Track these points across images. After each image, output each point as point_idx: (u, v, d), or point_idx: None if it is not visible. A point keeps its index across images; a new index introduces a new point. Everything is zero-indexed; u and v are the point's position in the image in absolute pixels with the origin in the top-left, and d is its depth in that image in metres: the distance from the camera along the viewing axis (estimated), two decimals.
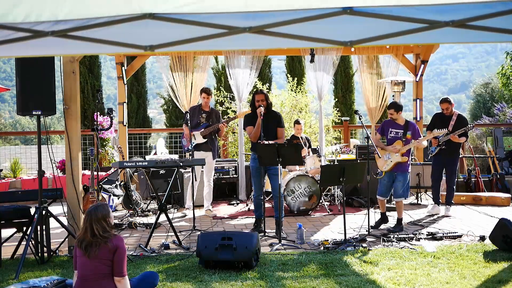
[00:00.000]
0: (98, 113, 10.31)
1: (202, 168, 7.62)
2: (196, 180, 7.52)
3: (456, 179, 7.96)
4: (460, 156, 9.95)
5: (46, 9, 1.90)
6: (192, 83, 9.54)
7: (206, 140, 7.55)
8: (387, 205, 7.98)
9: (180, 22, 1.93)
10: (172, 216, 6.88)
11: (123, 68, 9.43)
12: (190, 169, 7.72)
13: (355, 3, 1.84)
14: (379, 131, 6.82)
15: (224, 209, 8.29)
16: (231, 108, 11.30)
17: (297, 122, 8.54)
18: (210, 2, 1.85)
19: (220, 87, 11.78)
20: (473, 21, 1.89)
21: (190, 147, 7.53)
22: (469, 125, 7.36)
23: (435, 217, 7.45)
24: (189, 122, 7.44)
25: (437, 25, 1.91)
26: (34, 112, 5.23)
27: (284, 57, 14.58)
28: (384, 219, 6.72)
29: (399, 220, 6.56)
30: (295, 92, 11.41)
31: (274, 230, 6.43)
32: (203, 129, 7.51)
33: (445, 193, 7.72)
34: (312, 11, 1.85)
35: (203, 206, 7.95)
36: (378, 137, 6.82)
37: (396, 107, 6.61)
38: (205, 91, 7.71)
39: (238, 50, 9.06)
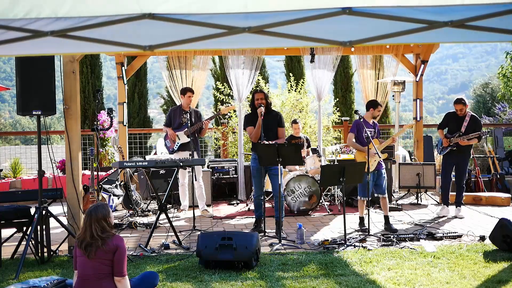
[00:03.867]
0: (102, 111, 10.34)
1: (189, 170, 7.65)
2: (196, 180, 7.52)
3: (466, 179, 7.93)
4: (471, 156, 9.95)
5: (46, 7, 1.91)
6: (192, 83, 9.55)
7: (190, 139, 7.55)
8: (389, 205, 8.01)
9: (179, 22, 1.93)
10: (172, 216, 6.88)
11: (123, 68, 9.43)
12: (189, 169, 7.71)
13: (354, 3, 1.84)
14: (353, 130, 6.66)
15: (224, 209, 8.29)
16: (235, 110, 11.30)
17: (294, 122, 8.53)
18: (210, 3, 1.86)
19: (220, 87, 11.77)
20: (472, 21, 1.89)
21: (175, 148, 7.56)
22: (482, 131, 7.29)
23: (443, 218, 7.36)
24: (188, 123, 7.44)
25: (436, 25, 1.91)
26: (34, 112, 5.23)
27: (283, 57, 14.56)
28: (363, 223, 6.62)
29: (387, 218, 6.58)
30: (295, 92, 11.41)
31: (274, 230, 6.43)
32: (186, 129, 7.52)
33: (454, 193, 7.63)
34: (311, 11, 1.86)
35: (197, 207, 7.93)
36: (353, 137, 6.67)
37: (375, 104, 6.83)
38: (191, 90, 7.86)
39: (237, 50, 9.07)
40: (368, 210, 6.36)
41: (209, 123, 8.05)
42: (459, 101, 7.43)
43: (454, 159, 7.50)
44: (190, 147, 7.53)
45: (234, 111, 10.89)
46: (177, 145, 7.59)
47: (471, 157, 9.35)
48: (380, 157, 6.42)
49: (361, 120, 6.63)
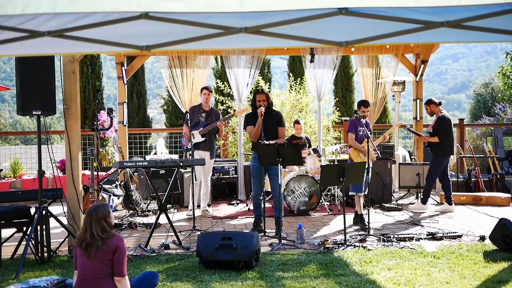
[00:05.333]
0: (102, 111, 10.34)
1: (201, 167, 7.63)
2: (195, 180, 7.53)
3: (452, 179, 8.22)
4: (461, 155, 10.04)
5: (44, 2, 1.91)
6: (192, 83, 9.56)
7: (205, 139, 7.58)
8: (387, 205, 8.05)
9: (176, 22, 1.93)
10: (172, 216, 6.88)
11: (123, 68, 9.43)
12: (189, 169, 7.72)
13: (350, 3, 1.84)
14: (352, 130, 6.72)
15: (224, 209, 8.29)
16: (232, 107, 11.30)
17: (297, 122, 8.53)
18: (206, 2, 1.86)
19: (220, 87, 11.77)
20: (468, 22, 1.90)
21: (189, 146, 7.56)
22: (407, 125, 7.89)
23: (440, 217, 7.48)
24: (189, 121, 7.46)
25: (433, 25, 1.91)
26: (34, 112, 5.23)
27: (287, 56, 14.59)
28: (363, 220, 6.70)
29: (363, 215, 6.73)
30: (296, 92, 11.41)
31: (274, 230, 6.43)
32: (201, 128, 7.54)
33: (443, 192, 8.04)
34: (308, 11, 1.86)
35: (198, 206, 7.93)
36: (353, 136, 6.74)
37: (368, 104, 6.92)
38: (206, 87, 7.83)
39: (238, 50, 9.07)
40: (368, 209, 6.37)
41: (224, 123, 8.05)
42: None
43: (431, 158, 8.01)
44: (203, 147, 7.57)
45: (234, 110, 10.90)
46: (191, 144, 7.61)
47: (473, 156, 9.45)
48: (380, 156, 6.44)
49: (359, 118, 6.68)
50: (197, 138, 7.58)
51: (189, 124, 7.49)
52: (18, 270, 4.77)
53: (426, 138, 7.90)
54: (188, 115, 7.51)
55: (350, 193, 6.88)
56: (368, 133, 6.44)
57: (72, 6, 1.94)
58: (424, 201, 7.90)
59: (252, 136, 6.58)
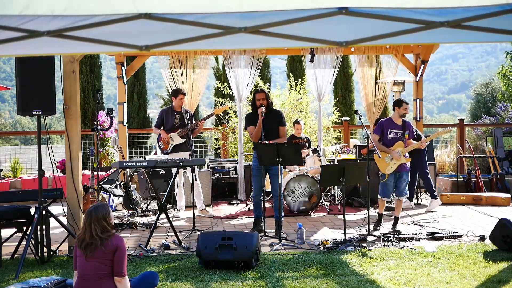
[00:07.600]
0: (102, 111, 10.34)
1: (185, 169, 7.62)
2: (196, 180, 7.53)
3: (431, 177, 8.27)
4: (461, 155, 10.05)
5: (43, 4, 1.91)
6: (192, 83, 9.56)
7: (184, 140, 7.55)
8: (386, 205, 8.03)
9: (175, 22, 1.93)
10: (171, 216, 6.89)
11: (123, 68, 9.43)
12: (186, 170, 7.69)
13: (350, 3, 1.84)
14: (377, 131, 6.56)
15: (224, 209, 8.30)
16: (232, 108, 11.30)
17: (296, 122, 8.53)
18: (206, 2, 1.86)
19: (220, 88, 11.77)
20: (468, 21, 1.90)
21: (169, 150, 7.55)
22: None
23: (441, 216, 7.48)
24: (190, 125, 7.44)
25: (433, 25, 1.92)
26: (34, 112, 5.23)
27: (285, 56, 14.58)
28: (381, 220, 6.67)
29: (397, 219, 6.57)
30: (296, 92, 11.40)
31: (274, 230, 6.43)
32: (180, 130, 7.51)
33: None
34: (308, 11, 1.86)
35: (195, 207, 7.90)
36: (377, 138, 6.56)
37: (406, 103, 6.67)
38: (182, 92, 7.74)
39: (238, 50, 9.07)
40: (368, 209, 6.36)
41: (204, 123, 8.00)
42: None
43: (413, 162, 7.79)
44: (184, 148, 7.54)
45: (234, 111, 10.88)
46: (171, 147, 7.59)
47: (473, 156, 9.47)
48: (379, 157, 6.42)
49: (387, 119, 6.59)
50: (176, 140, 7.55)
51: (191, 126, 7.47)
52: (18, 270, 4.77)
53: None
54: (162, 119, 7.61)
55: (383, 198, 6.55)
56: (394, 135, 6.43)
57: (70, 10, 1.93)
58: (433, 197, 7.97)
59: (253, 136, 6.58)
